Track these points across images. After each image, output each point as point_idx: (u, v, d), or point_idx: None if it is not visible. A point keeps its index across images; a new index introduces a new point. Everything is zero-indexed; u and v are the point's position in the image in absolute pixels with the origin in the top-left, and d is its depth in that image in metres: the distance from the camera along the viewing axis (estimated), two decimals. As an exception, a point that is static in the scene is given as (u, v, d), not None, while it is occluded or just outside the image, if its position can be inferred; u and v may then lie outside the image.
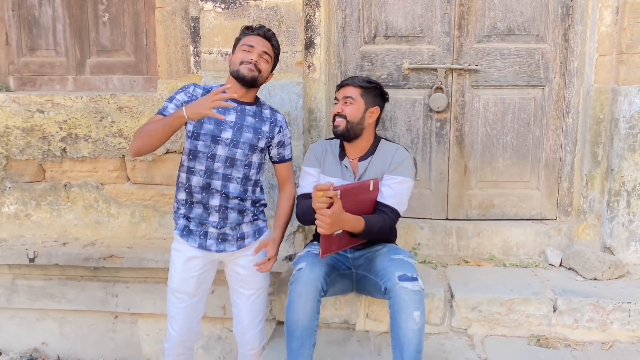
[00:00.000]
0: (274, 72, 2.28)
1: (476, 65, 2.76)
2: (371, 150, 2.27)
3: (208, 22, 2.70)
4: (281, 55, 2.68)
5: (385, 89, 2.25)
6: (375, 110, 2.25)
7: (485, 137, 2.84)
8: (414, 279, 1.98)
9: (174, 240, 2.23)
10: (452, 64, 2.77)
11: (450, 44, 2.77)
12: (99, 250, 2.90)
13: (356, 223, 2.06)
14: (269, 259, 2.17)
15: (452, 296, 2.45)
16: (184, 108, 1.93)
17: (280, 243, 2.24)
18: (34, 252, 2.90)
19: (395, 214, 2.18)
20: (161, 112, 2.09)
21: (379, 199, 2.18)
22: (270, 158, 2.29)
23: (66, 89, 3.06)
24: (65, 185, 3.02)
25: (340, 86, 2.29)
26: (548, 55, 2.76)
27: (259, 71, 2.13)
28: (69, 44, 3.01)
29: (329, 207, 1.94)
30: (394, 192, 2.18)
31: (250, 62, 2.09)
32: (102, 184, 3.02)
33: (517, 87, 2.80)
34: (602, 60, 2.67)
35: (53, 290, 2.99)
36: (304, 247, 2.53)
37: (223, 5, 2.68)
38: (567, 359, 2.23)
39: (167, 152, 2.92)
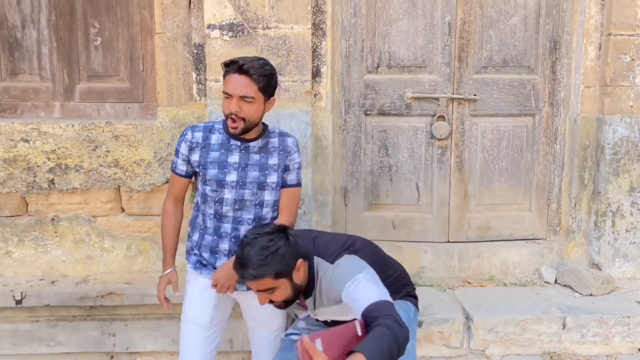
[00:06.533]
0: (275, 95, 2.06)
1: (475, 95, 2.90)
2: (311, 285, 1.90)
3: (214, 49, 2.64)
4: (290, 84, 2.70)
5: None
6: (300, 263, 1.83)
7: (483, 162, 2.98)
8: None
9: (187, 274, 2.18)
10: (453, 94, 2.89)
11: (450, 74, 2.89)
12: (94, 287, 2.73)
13: None
14: None
15: (467, 318, 2.54)
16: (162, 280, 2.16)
17: None
18: (22, 292, 2.67)
19: (388, 308, 1.67)
20: (174, 170, 2.14)
21: (361, 312, 1.68)
22: None
23: (52, 115, 2.86)
24: (53, 219, 2.82)
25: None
26: (538, 85, 2.95)
27: (244, 119, 1.95)
28: (56, 68, 2.83)
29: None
30: (364, 293, 1.72)
31: (232, 115, 1.93)
32: (94, 217, 2.85)
33: (511, 116, 2.96)
34: (587, 92, 2.89)
35: (41, 333, 2.76)
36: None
37: (230, 34, 2.64)
38: (582, 373, 2.38)
39: (166, 182, 2.81)
